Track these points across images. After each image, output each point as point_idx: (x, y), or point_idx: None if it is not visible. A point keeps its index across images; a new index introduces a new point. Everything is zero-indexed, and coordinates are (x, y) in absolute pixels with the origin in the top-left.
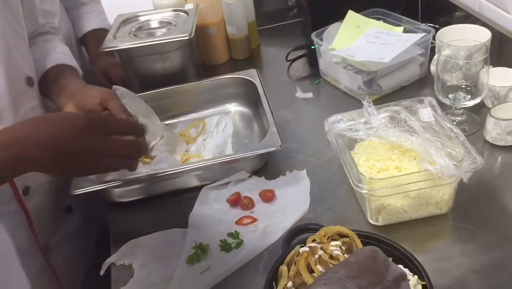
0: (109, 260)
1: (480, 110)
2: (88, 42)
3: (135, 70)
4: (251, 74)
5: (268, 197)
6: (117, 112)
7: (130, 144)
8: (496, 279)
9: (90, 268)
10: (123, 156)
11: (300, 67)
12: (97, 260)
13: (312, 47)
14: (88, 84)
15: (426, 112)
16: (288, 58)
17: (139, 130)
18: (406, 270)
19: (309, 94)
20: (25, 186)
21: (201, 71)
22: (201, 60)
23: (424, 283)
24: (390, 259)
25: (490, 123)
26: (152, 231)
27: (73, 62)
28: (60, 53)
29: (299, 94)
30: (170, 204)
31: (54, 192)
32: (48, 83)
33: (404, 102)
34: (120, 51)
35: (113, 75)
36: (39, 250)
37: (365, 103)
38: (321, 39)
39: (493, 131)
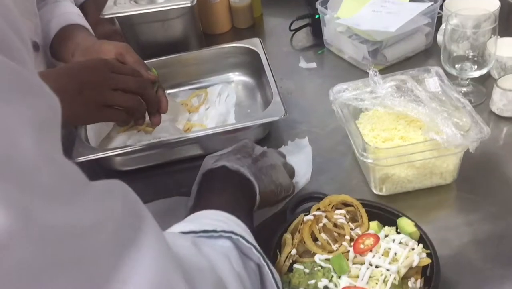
0: None
1: (486, 82)
2: (88, 10)
3: (136, 39)
4: (254, 44)
5: None
6: (135, 65)
7: (142, 80)
8: (500, 249)
9: None
10: (134, 92)
11: (303, 37)
12: None
13: (316, 16)
14: (102, 40)
15: (433, 81)
16: (292, 28)
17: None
18: (412, 241)
19: (313, 65)
20: None
21: (202, 40)
22: (202, 29)
23: (428, 252)
24: (394, 228)
25: (496, 94)
26: (154, 200)
27: (85, 23)
28: (72, 14)
29: (303, 64)
30: (172, 173)
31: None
32: (61, 42)
33: (411, 72)
34: (121, 18)
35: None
36: None
37: (371, 72)
38: (326, 8)
39: (499, 102)
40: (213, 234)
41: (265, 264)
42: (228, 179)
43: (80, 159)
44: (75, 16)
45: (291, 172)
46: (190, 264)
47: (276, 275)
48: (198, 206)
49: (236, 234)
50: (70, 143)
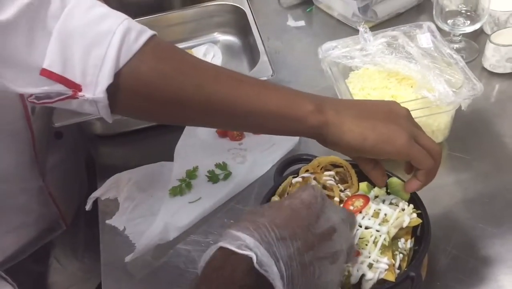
0: (94, 195)
1: (479, 38)
2: None
3: None
4: (240, 1)
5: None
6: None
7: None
8: (490, 208)
9: (83, 198)
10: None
11: None
12: (89, 191)
13: None
14: None
15: (425, 37)
16: None
17: None
18: (402, 201)
19: (301, 23)
20: (32, 105)
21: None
22: None
23: (419, 212)
24: (384, 189)
25: (489, 49)
26: (139, 164)
27: None
28: None
29: (291, 22)
30: (156, 136)
31: (48, 116)
32: None
33: (402, 28)
34: None
35: None
36: (39, 172)
37: (361, 29)
38: None
39: (492, 58)
40: None
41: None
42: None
43: (59, 124)
44: None
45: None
46: None
47: None
48: None
49: None
50: (50, 108)
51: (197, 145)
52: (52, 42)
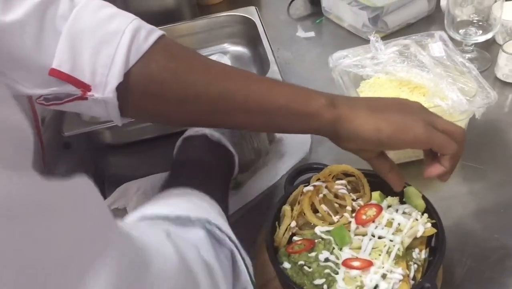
0: None
1: (491, 47)
2: None
3: (127, 8)
4: (250, 12)
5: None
6: None
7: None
8: (505, 219)
9: None
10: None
11: (301, 5)
12: None
13: None
14: None
15: (437, 46)
16: None
17: None
18: (415, 211)
19: (311, 34)
20: (42, 116)
21: (196, 10)
22: None
23: (433, 221)
24: (397, 198)
25: (502, 59)
26: (148, 174)
27: None
28: None
29: (300, 33)
30: (165, 146)
31: (58, 127)
32: None
33: (414, 37)
34: None
35: None
36: None
37: (372, 38)
38: None
39: (505, 67)
40: (186, 221)
41: (237, 251)
42: (206, 148)
43: (69, 133)
44: None
45: (271, 136)
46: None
47: (248, 262)
48: (172, 176)
49: (210, 222)
50: (60, 117)
51: None
52: (61, 42)
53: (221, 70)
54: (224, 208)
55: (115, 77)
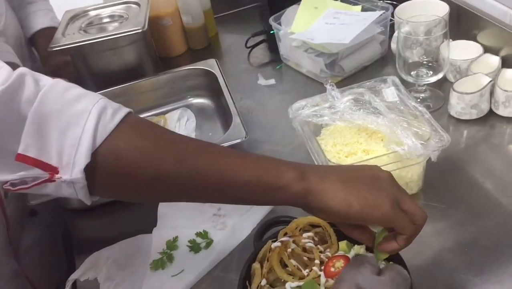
0: (72, 277)
1: (443, 85)
2: (38, 42)
3: (89, 68)
4: (210, 65)
5: None
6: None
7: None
8: (471, 256)
9: (62, 276)
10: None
11: (260, 53)
12: (68, 267)
13: (271, 32)
14: None
15: (390, 92)
16: (248, 45)
17: None
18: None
19: (272, 81)
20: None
21: (158, 64)
22: (157, 53)
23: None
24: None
25: (454, 98)
26: (117, 236)
27: (18, 62)
28: (5, 52)
29: (261, 81)
30: (133, 207)
31: (22, 195)
32: None
33: (368, 83)
34: (70, 49)
35: (64, 75)
36: (12, 255)
37: (328, 87)
38: (280, 23)
39: (457, 106)
40: None
41: None
42: None
43: (35, 202)
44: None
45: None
46: None
47: None
48: None
49: None
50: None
51: (176, 214)
52: (27, 126)
53: (190, 147)
54: None
55: (82, 158)
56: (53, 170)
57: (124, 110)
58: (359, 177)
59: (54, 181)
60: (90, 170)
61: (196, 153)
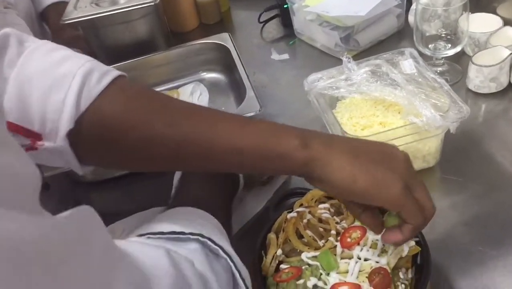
0: None
1: (461, 59)
2: (49, 16)
3: (101, 42)
4: (224, 39)
5: None
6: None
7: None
8: (488, 229)
9: None
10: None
11: (274, 28)
12: None
13: (285, 6)
14: None
15: (408, 63)
16: (261, 20)
17: None
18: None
19: (285, 56)
20: None
21: (170, 39)
22: (169, 27)
23: (417, 239)
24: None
25: (472, 71)
26: (131, 209)
27: (29, 33)
28: (18, 26)
29: (275, 56)
30: (146, 180)
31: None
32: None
33: (385, 55)
34: (82, 22)
35: (76, 50)
36: None
37: (344, 59)
38: None
39: (475, 79)
40: (180, 236)
41: (232, 264)
42: None
43: (49, 174)
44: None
45: None
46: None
47: (244, 273)
48: (177, 195)
49: (203, 236)
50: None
51: None
52: (8, 90)
53: (184, 111)
54: (227, 225)
55: (65, 124)
56: (35, 137)
57: (113, 74)
58: (371, 152)
59: (37, 148)
60: (75, 137)
61: (191, 117)
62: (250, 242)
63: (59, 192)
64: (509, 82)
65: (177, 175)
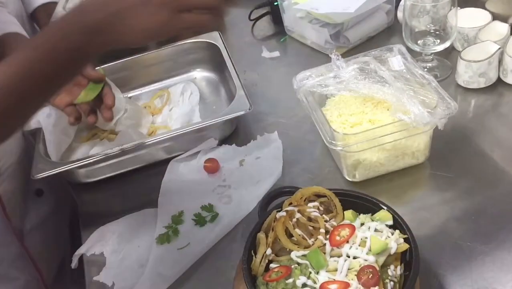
0: (79, 252)
1: (450, 55)
2: (39, 18)
3: None
4: (214, 37)
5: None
6: None
7: None
8: (478, 225)
9: (66, 254)
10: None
11: (264, 26)
12: (72, 246)
13: (275, 3)
14: None
15: (396, 60)
16: (251, 17)
17: None
18: (387, 228)
19: (276, 53)
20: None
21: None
22: None
23: (406, 236)
24: (369, 215)
25: (461, 66)
26: (123, 210)
27: (23, 32)
28: (10, 23)
29: (265, 54)
30: (139, 180)
31: (24, 175)
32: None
33: (373, 52)
34: None
35: None
36: (14, 236)
37: (333, 56)
38: None
39: (464, 74)
40: None
41: None
42: None
43: (40, 176)
44: (14, 25)
45: None
46: None
47: None
48: None
49: None
50: (29, 159)
51: (181, 188)
52: None
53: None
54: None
55: None
56: None
57: None
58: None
59: None
60: None
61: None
62: (240, 242)
63: (53, 198)
64: (498, 77)
65: (166, 178)
